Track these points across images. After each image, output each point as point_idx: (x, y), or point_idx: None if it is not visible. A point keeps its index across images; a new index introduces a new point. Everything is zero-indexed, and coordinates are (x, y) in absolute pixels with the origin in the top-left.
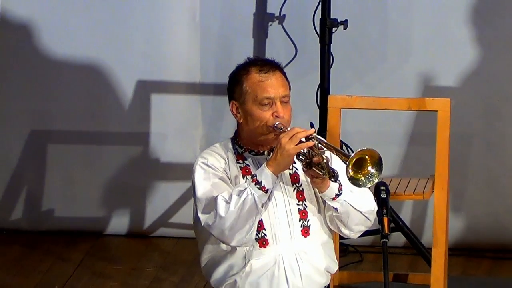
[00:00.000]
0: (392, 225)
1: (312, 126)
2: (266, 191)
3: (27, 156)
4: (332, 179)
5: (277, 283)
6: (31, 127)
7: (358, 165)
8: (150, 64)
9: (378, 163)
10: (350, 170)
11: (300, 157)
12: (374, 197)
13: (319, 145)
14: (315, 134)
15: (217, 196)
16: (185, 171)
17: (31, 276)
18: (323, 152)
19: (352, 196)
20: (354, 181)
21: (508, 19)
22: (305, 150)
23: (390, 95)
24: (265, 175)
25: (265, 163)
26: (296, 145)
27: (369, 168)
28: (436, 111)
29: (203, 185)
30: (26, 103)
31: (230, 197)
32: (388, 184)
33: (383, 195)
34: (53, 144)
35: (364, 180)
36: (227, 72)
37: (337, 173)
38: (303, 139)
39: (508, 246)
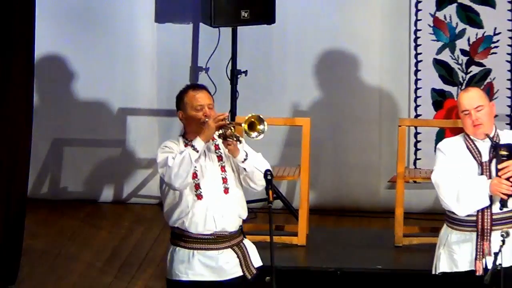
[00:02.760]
0: (275, 195)
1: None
2: (197, 151)
3: (51, 154)
4: (239, 142)
5: (208, 222)
6: (54, 136)
7: (251, 126)
8: (126, 97)
9: (261, 120)
10: (247, 132)
11: (220, 133)
12: (260, 123)
13: (228, 123)
14: (227, 117)
15: (167, 156)
16: (148, 162)
17: (57, 223)
18: (231, 126)
19: (254, 160)
20: (249, 134)
21: (349, 66)
22: (221, 131)
23: (274, 116)
24: (197, 141)
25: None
26: (215, 123)
27: (258, 126)
28: (301, 126)
29: (162, 155)
30: (50, 121)
31: (175, 156)
32: (272, 170)
33: (269, 177)
34: (67, 147)
35: (257, 134)
36: (173, 102)
37: (240, 137)
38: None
39: (346, 208)
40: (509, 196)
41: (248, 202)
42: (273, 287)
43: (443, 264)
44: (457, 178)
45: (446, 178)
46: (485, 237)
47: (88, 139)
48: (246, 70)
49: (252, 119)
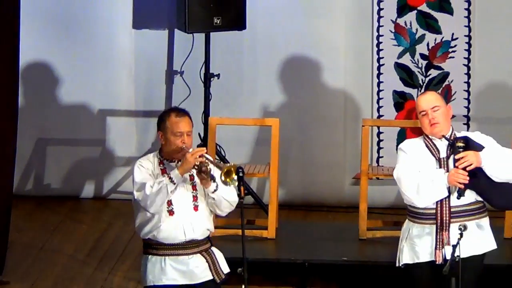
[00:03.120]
0: (246, 191)
1: (201, 140)
2: (174, 183)
3: (35, 153)
4: (212, 181)
5: (179, 235)
6: (38, 136)
7: (227, 173)
8: (105, 99)
9: (238, 172)
10: (222, 177)
11: (195, 167)
12: (236, 175)
13: (206, 160)
14: (205, 153)
15: (145, 182)
16: (126, 160)
17: (41, 218)
18: (208, 165)
19: (224, 191)
20: (224, 182)
21: (315, 70)
22: (198, 163)
23: (245, 116)
24: (175, 174)
25: (176, 167)
26: (194, 159)
27: (233, 176)
28: (271, 126)
29: (139, 177)
30: (34, 122)
31: (153, 184)
32: (244, 167)
33: (241, 174)
34: (50, 146)
35: (230, 182)
36: (150, 104)
37: (215, 177)
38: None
39: (313, 203)
40: (466, 186)
41: None
42: (244, 278)
43: (405, 256)
44: (417, 172)
45: (406, 173)
46: (444, 228)
47: (70, 139)
48: (219, 74)
49: (231, 169)
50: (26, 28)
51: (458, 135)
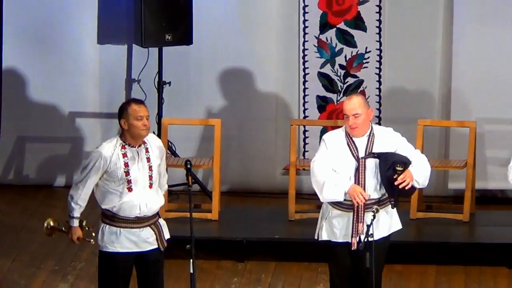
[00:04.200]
0: (193, 180)
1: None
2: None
3: (16, 149)
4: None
5: (134, 209)
6: (18, 134)
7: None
8: (75, 103)
9: (187, 164)
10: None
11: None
12: (184, 166)
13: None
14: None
15: (79, 185)
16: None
17: (21, 204)
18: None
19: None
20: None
21: (251, 77)
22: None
23: (192, 117)
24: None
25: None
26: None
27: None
28: (214, 125)
29: (84, 169)
30: (15, 122)
31: (82, 191)
32: (191, 160)
33: (188, 166)
34: (29, 143)
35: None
36: (112, 107)
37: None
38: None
39: (250, 190)
40: (396, 197)
41: (172, 186)
42: (192, 253)
43: (324, 233)
44: (329, 170)
45: (318, 170)
46: (360, 220)
47: (45, 136)
48: (170, 81)
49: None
50: (8, 42)
51: (376, 130)
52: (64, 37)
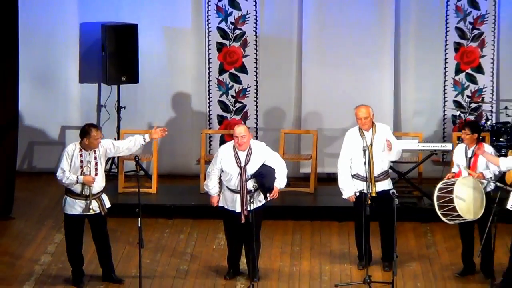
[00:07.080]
0: (140, 168)
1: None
2: (77, 182)
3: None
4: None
5: (85, 189)
6: (29, 139)
7: None
8: (65, 119)
9: (136, 159)
10: None
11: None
12: (134, 160)
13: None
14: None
15: (64, 170)
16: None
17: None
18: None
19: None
20: None
21: (179, 97)
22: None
23: (139, 129)
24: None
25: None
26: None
27: None
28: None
29: (63, 161)
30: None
31: (69, 174)
32: (139, 155)
33: (137, 159)
34: (37, 146)
35: None
36: (88, 121)
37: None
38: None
39: (175, 174)
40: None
41: (127, 171)
42: (139, 214)
43: (222, 201)
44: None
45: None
46: (244, 201)
47: (48, 141)
48: (125, 106)
49: None
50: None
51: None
52: (57, 78)
